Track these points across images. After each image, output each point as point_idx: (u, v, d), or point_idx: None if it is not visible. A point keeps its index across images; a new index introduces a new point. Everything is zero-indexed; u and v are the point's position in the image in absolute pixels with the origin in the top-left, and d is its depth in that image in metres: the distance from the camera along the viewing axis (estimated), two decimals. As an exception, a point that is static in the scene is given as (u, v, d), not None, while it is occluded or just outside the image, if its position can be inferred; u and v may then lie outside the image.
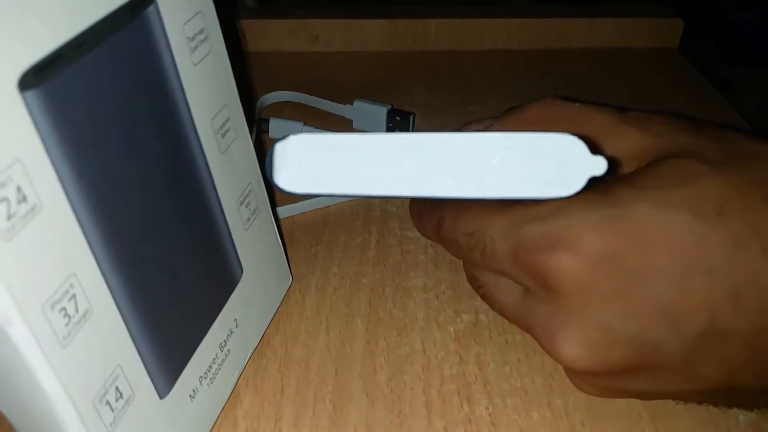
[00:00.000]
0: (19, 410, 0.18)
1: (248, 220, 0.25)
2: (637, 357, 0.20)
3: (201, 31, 0.21)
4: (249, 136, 0.25)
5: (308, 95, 0.42)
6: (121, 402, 0.18)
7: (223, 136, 0.23)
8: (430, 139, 0.19)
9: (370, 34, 0.49)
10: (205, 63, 0.21)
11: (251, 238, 0.25)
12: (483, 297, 0.25)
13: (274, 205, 0.32)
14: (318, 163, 0.19)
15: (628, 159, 0.22)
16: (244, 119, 0.24)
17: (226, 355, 0.24)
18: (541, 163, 0.19)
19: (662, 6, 0.51)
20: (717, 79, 0.47)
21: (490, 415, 0.24)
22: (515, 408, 0.24)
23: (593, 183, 0.19)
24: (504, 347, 0.26)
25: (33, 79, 0.15)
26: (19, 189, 0.15)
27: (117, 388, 0.18)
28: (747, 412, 0.23)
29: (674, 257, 0.19)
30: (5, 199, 0.14)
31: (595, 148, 0.19)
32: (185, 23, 0.20)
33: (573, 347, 0.20)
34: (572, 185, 0.19)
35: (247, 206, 0.25)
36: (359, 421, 0.23)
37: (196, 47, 0.21)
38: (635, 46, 0.50)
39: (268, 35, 0.49)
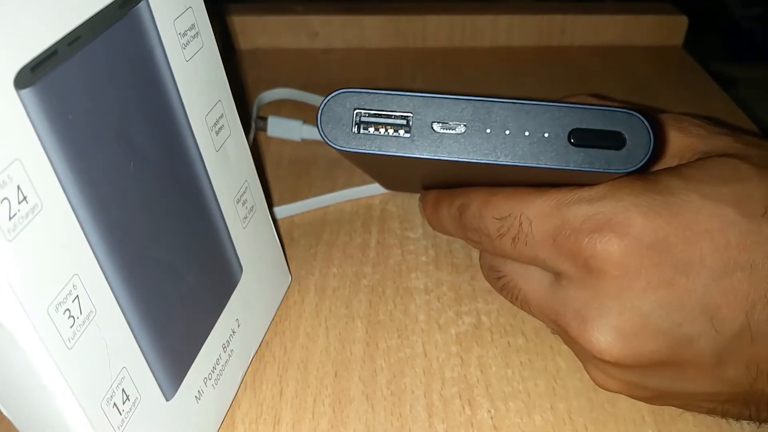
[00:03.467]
0: (26, 414, 0.17)
1: (245, 218, 0.24)
2: (670, 351, 0.20)
3: (192, 27, 0.21)
4: (243, 132, 0.24)
5: (307, 93, 0.42)
6: (128, 404, 0.18)
7: (217, 133, 0.22)
8: (494, 104, 0.19)
9: (370, 31, 0.49)
10: (197, 59, 0.21)
11: (249, 237, 0.25)
12: (504, 288, 0.24)
13: (271, 204, 0.32)
14: None
15: (668, 156, 0.22)
16: (237, 116, 0.24)
17: (230, 356, 0.23)
18: (602, 136, 0.19)
19: (666, 3, 0.51)
20: (721, 77, 0.46)
21: (492, 418, 0.23)
22: (517, 411, 0.24)
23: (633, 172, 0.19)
24: (506, 350, 0.26)
25: (29, 77, 0.14)
26: (19, 189, 0.14)
27: (123, 390, 0.18)
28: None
29: (719, 250, 0.19)
30: (6, 199, 0.14)
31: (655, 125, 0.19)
32: (176, 19, 0.20)
33: (607, 335, 0.20)
34: (633, 160, 0.19)
35: (243, 204, 0.24)
36: (359, 424, 0.23)
37: (187, 43, 0.20)
38: (639, 44, 0.50)
39: (267, 32, 0.49)
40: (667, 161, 0.22)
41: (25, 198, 0.15)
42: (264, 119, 0.38)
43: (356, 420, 0.23)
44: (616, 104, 0.22)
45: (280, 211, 0.32)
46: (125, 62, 0.18)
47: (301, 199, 0.33)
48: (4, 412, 0.18)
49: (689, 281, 0.19)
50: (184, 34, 0.20)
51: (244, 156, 0.24)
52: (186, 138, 0.21)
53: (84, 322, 0.16)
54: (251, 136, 0.37)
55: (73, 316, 0.16)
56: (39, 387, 0.16)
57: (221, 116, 0.23)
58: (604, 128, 0.19)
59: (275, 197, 0.34)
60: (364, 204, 0.34)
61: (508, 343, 0.26)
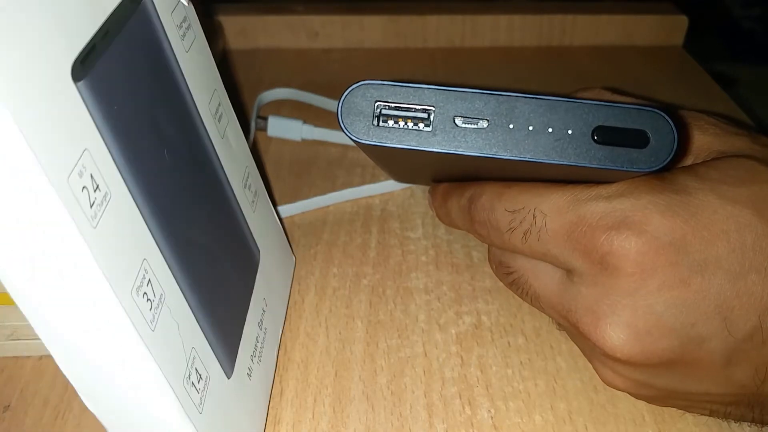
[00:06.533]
0: (110, 405, 0.17)
1: (253, 202, 0.25)
2: (681, 351, 0.20)
3: (185, 19, 0.21)
4: (237, 120, 0.25)
5: (307, 93, 0.42)
6: (202, 383, 0.18)
7: (219, 120, 0.23)
8: (518, 100, 0.19)
9: (370, 31, 0.49)
10: (194, 49, 0.21)
11: (259, 219, 0.25)
12: (513, 284, 0.24)
13: (273, 204, 0.32)
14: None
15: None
16: (231, 104, 0.24)
17: (265, 334, 0.24)
18: (626, 134, 0.19)
19: (666, 3, 0.51)
20: (721, 77, 0.46)
21: (492, 418, 0.23)
22: (518, 411, 0.24)
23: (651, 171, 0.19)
24: (506, 349, 0.26)
25: (80, 70, 0.15)
26: (92, 177, 0.15)
27: (196, 369, 0.18)
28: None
29: (735, 251, 0.19)
30: (85, 188, 0.14)
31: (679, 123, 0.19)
32: (172, 11, 0.20)
33: (620, 332, 0.20)
34: (656, 160, 0.19)
35: (249, 188, 0.25)
36: (359, 424, 0.23)
37: (184, 34, 0.21)
38: (639, 44, 0.50)
39: (267, 32, 0.49)
40: (683, 159, 0.22)
41: (97, 186, 0.15)
42: (264, 119, 0.38)
43: (356, 420, 0.23)
44: (638, 102, 0.22)
45: (280, 211, 0.32)
46: (145, 54, 0.18)
47: (301, 199, 0.33)
48: (88, 406, 0.17)
49: (704, 281, 0.19)
50: (180, 26, 0.21)
51: (242, 143, 0.25)
52: (198, 126, 0.21)
53: (158, 304, 0.17)
54: (251, 136, 0.37)
55: (150, 300, 0.16)
56: (128, 370, 0.16)
57: (219, 105, 0.23)
58: (628, 126, 0.19)
59: (275, 197, 0.34)
60: (364, 204, 0.34)
61: (508, 343, 0.26)
